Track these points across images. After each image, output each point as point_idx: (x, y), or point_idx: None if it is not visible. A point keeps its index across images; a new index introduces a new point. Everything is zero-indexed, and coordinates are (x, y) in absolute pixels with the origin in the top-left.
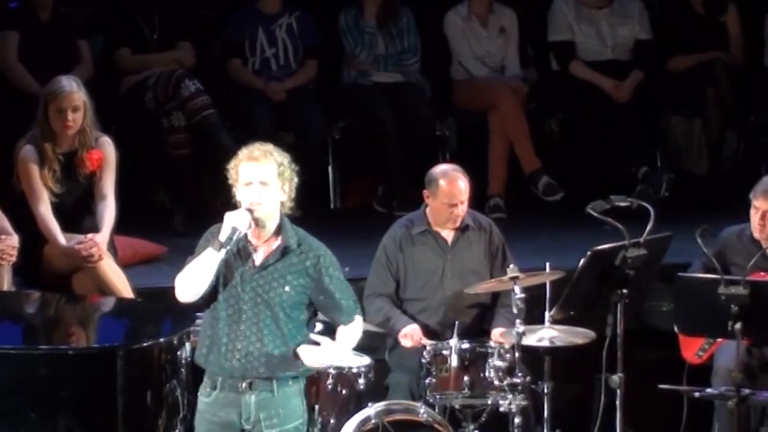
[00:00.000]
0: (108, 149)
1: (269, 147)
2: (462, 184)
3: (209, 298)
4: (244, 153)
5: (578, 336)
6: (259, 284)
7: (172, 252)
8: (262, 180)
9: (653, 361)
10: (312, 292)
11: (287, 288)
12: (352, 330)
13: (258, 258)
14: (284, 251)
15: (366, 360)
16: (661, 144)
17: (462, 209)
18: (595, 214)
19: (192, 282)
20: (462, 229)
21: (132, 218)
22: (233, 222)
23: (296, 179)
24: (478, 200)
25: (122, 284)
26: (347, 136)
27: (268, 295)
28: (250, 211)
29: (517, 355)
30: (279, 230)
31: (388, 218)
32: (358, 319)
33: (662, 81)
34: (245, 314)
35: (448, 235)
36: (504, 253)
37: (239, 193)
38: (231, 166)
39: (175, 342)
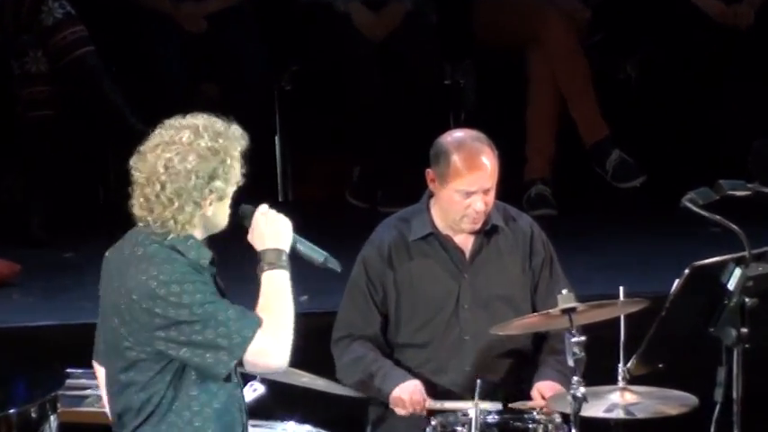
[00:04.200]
0: None
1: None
2: (487, 162)
3: None
4: None
5: (670, 402)
6: None
7: (28, 272)
8: None
9: None
10: None
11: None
12: None
13: None
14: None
15: None
16: None
17: (486, 200)
18: (696, 209)
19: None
20: (487, 233)
21: None
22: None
23: None
24: (512, 188)
25: None
26: (304, 88)
27: None
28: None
29: (573, 431)
30: None
31: (368, 216)
32: None
33: None
34: None
35: (465, 242)
36: (553, 270)
37: None
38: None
39: (34, 414)
